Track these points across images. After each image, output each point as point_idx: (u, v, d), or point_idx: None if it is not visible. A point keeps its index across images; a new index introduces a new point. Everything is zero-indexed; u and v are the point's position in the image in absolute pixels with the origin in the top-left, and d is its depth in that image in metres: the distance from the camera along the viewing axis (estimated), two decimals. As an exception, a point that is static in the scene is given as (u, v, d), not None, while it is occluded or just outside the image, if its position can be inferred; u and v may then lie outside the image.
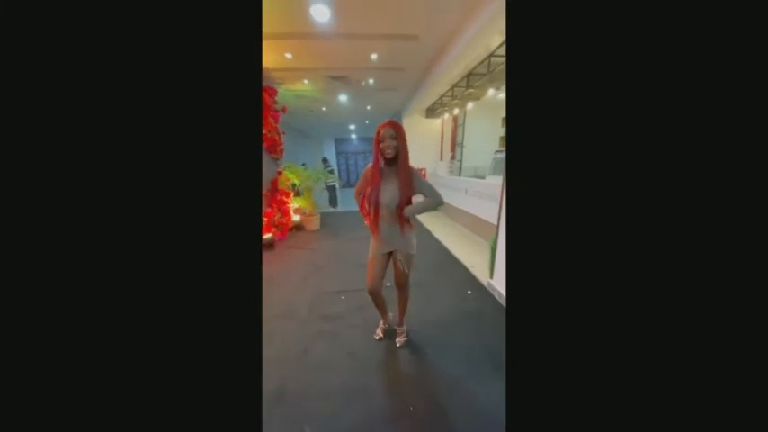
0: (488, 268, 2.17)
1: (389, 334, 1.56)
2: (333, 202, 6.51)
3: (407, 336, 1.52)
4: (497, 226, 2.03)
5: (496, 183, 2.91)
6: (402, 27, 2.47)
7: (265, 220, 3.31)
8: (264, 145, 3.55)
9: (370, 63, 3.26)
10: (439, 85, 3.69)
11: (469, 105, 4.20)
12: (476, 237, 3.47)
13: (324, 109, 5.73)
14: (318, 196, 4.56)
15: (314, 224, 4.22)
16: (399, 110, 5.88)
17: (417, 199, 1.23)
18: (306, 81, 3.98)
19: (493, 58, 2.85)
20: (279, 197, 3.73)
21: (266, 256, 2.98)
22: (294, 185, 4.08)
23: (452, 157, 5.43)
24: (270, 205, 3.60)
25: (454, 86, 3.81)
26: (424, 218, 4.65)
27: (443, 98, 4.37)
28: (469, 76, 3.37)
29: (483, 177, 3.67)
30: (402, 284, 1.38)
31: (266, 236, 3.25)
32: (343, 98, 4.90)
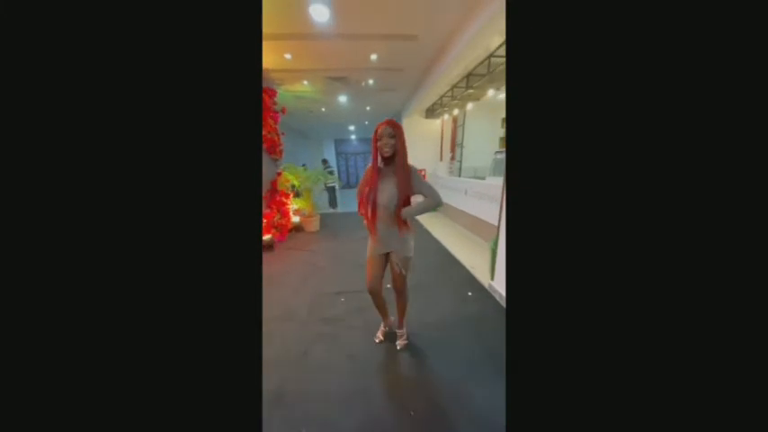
0: (489, 270, 2.16)
1: (390, 337, 1.55)
2: (332, 203, 6.49)
3: (408, 338, 1.51)
4: (498, 227, 2.02)
5: (497, 183, 2.90)
6: (401, 27, 2.46)
7: (264, 221, 3.29)
8: (264, 146, 3.54)
9: (370, 63, 3.26)
10: (438, 86, 3.68)
11: (469, 106, 4.19)
12: (476, 238, 3.46)
13: (323, 110, 5.73)
14: (318, 197, 4.55)
15: (313, 225, 4.20)
16: (399, 110, 5.88)
17: (416, 199, 1.22)
18: (305, 82, 3.97)
19: (493, 59, 2.84)
20: (278, 198, 3.71)
21: (265, 258, 2.96)
22: (293, 186, 4.07)
23: (452, 158, 5.43)
24: (269, 206, 3.59)
25: (454, 87, 3.80)
26: (423, 218, 4.64)
27: (443, 99, 4.36)
28: (469, 76, 3.36)
29: (483, 178, 3.66)
30: (399, 289, 1.36)
31: (265, 237, 3.24)
32: (342, 99, 4.89)
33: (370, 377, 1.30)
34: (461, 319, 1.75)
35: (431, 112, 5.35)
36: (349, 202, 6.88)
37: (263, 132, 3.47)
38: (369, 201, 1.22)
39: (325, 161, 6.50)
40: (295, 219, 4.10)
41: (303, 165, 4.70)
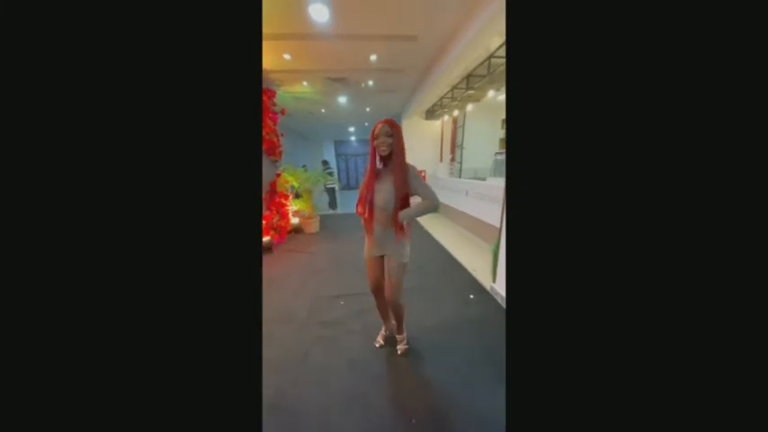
0: (491, 272, 2.13)
1: (390, 341, 1.51)
2: (332, 204, 6.47)
3: (408, 343, 1.47)
4: (500, 229, 1.99)
5: (498, 184, 2.88)
6: (401, 27, 2.45)
7: (264, 223, 3.26)
8: (263, 147, 3.52)
9: (370, 64, 3.24)
10: (438, 87, 3.67)
11: (469, 107, 4.18)
12: (477, 239, 3.43)
13: (323, 111, 5.72)
14: (318, 198, 4.52)
15: (313, 227, 4.17)
16: (399, 112, 5.87)
17: (416, 200, 1.18)
18: (305, 83, 3.96)
19: (493, 60, 2.82)
20: (277, 200, 3.69)
21: (264, 260, 2.93)
22: (293, 187, 4.04)
23: (452, 159, 5.41)
24: (268, 208, 3.56)
25: (454, 88, 3.79)
26: (424, 219, 4.61)
27: (443, 100, 4.35)
28: (469, 77, 3.35)
29: (483, 179, 3.63)
30: (391, 299, 1.27)
31: (264, 239, 3.21)
32: (342, 100, 4.88)
33: (370, 383, 1.26)
34: (463, 323, 1.71)
35: (431, 114, 5.33)
36: (349, 204, 6.86)
37: (262, 133, 3.45)
38: (366, 201, 1.20)
39: (325, 162, 6.48)
40: (294, 220, 4.07)
41: (303, 166, 4.67)
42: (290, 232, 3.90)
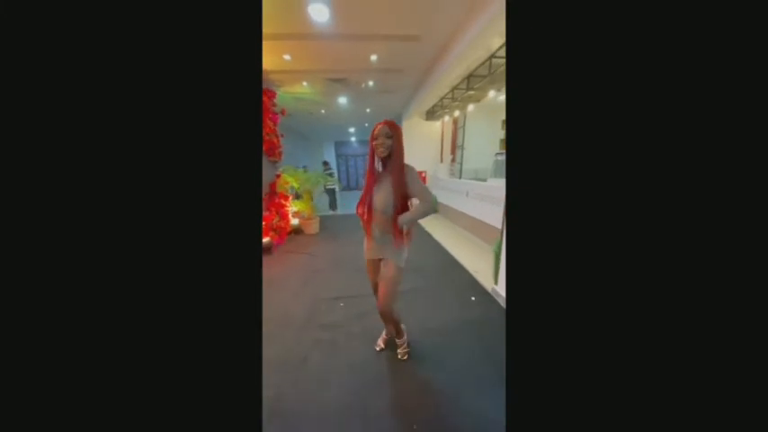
0: (492, 274, 2.11)
1: (391, 344, 1.49)
2: (332, 205, 6.45)
3: (409, 346, 1.45)
4: (502, 230, 1.97)
5: (498, 185, 2.86)
6: (402, 27, 2.43)
7: (263, 223, 3.25)
8: (263, 148, 3.51)
9: (370, 64, 3.23)
10: (439, 87, 3.65)
11: (470, 107, 4.16)
12: (478, 240, 3.41)
13: (323, 112, 5.71)
14: (318, 199, 4.51)
15: (313, 227, 4.16)
16: (399, 112, 5.86)
17: (415, 202, 1.16)
18: (305, 83, 3.94)
19: (494, 60, 2.81)
20: (277, 200, 3.67)
21: (264, 261, 2.91)
22: (293, 188, 4.03)
23: (453, 160, 5.39)
24: (268, 209, 3.54)
25: (454, 88, 3.77)
26: (424, 220, 4.59)
27: (443, 100, 4.33)
28: (470, 77, 3.33)
29: (484, 180, 3.62)
30: (382, 308, 1.21)
31: (264, 240, 3.19)
32: (342, 100, 4.87)
33: (371, 387, 1.24)
34: (465, 325, 1.69)
35: (431, 114, 5.32)
36: (349, 205, 6.85)
37: (262, 134, 3.43)
38: (365, 203, 1.18)
39: (325, 163, 6.46)
40: (294, 221, 4.05)
41: (304, 167, 4.65)
42: (289, 233, 3.88)
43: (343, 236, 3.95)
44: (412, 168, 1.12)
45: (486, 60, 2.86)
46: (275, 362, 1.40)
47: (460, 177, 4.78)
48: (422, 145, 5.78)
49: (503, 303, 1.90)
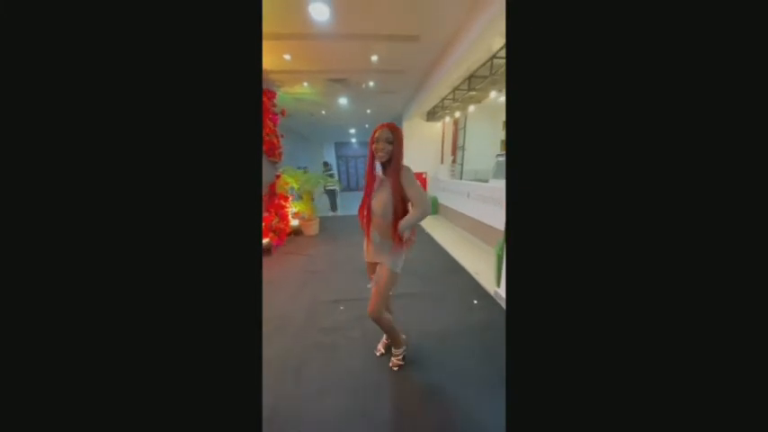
0: (495, 276, 2.09)
1: (391, 349, 1.46)
2: (333, 206, 6.43)
3: (403, 359, 1.36)
4: (505, 232, 1.94)
5: (500, 186, 2.84)
6: (403, 27, 2.42)
7: (263, 224, 3.22)
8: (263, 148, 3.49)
9: (370, 65, 3.21)
10: (440, 88, 3.63)
11: (471, 108, 4.14)
12: (479, 241, 3.39)
13: (323, 112, 5.69)
14: (318, 200, 4.48)
15: (312, 229, 4.13)
16: (400, 113, 5.85)
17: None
18: (305, 83, 3.93)
19: (495, 60, 2.79)
20: (277, 201, 3.65)
21: (263, 262, 2.88)
22: (292, 189, 4.00)
23: (453, 161, 5.37)
24: (267, 210, 3.51)
25: (455, 89, 3.75)
26: (424, 221, 4.57)
27: (444, 101, 4.32)
28: (471, 78, 3.31)
29: (485, 181, 3.60)
30: (372, 312, 1.18)
31: (263, 241, 3.16)
32: (342, 101, 4.85)
33: (371, 393, 1.21)
34: (467, 329, 1.66)
35: (432, 115, 5.30)
36: (349, 206, 6.82)
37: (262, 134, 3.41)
38: (366, 206, 1.16)
39: (326, 164, 6.44)
40: (294, 222, 4.02)
41: (305, 167, 4.62)
42: (289, 234, 3.85)
43: (343, 237, 3.92)
44: (409, 169, 1.09)
45: (488, 61, 2.84)
46: (273, 367, 1.37)
47: (461, 178, 4.76)
48: (422, 146, 5.76)
49: (505, 306, 1.87)
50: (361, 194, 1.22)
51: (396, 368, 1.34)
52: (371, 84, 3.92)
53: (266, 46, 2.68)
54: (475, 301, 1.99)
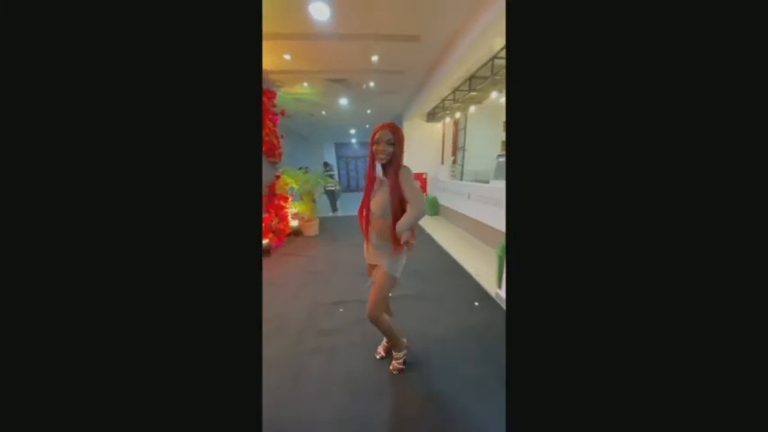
0: (496, 277, 2.07)
1: (392, 353, 1.45)
2: (333, 206, 6.42)
3: (404, 363, 1.34)
4: (505, 233, 1.93)
5: (501, 187, 2.83)
6: (403, 27, 2.41)
7: (263, 225, 3.21)
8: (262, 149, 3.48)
9: (371, 65, 3.20)
10: (440, 88, 3.62)
11: (471, 109, 4.13)
12: (480, 243, 3.37)
13: (324, 113, 5.68)
14: (318, 201, 4.46)
15: (312, 229, 4.12)
16: (400, 114, 5.84)
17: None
18: (305, 84, 3.92)
19: (496, 61, 2.78)
20: (276, 202, 3.63)
21: (263, 263, 2.87)
22: (292, 189, 3.99)
23: (454, 162, 5.36)
24: (267, 210, 3.50)
25: (456, 90, 3.74)
26: (425, 221, 4.55)
27: (445, 101, 4.31)
28: (472, 78, 3.30)
29: (486, 181, 3.58)
30: (370, 313, 1.17)
31: (263, 242, 3.15)
32: (343, 102, 4.84)
33: (370, 397, 1.20)
34: (468, 331, 1.65)
35: (432, 116, 5.29)
36: (349, 206, 6.81)
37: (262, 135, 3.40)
38: (364, 207, 1.15)
39: (326, 164, 6.44)
40: (293, 223, 4.01)
41: (305, 168, 4.60)
42: (288, 235, 3.84)
43: (344, 238, 3.91)
44: (407, 169, 1.07)
45: (489, 61, 2.83)
46: (271, 369, 1.36)
47: (461, 179, 4.75)
48: (423, 146, 5.75)
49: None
50: (361, 195, 1.21)
51: (396, 372, 1.32)
52: (372, 84, 3.91)
53: (266, 46, 2.67)
54: (476, 303, 1.98)
